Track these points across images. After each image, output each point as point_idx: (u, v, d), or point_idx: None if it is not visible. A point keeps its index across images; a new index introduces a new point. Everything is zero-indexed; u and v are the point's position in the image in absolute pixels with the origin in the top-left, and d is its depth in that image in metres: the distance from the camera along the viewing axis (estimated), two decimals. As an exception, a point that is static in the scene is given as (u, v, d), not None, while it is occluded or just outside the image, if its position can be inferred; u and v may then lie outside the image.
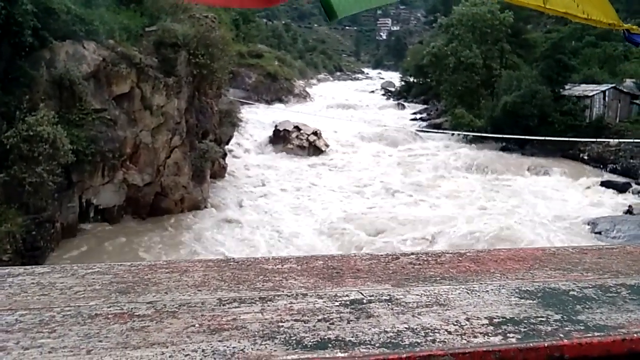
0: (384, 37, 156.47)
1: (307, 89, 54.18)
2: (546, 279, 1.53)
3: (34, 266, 1.59)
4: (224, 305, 1.29)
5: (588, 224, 17.08)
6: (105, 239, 14.76)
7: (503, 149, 28.00)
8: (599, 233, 16.24)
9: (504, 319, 1.24)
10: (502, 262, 1.67)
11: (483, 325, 1.21)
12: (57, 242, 13.66)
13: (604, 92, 29.97)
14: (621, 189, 22.37)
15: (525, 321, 1.24)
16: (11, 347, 1.06)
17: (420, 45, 61.31)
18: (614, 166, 25.39)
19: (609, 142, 25.49)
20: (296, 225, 17.02)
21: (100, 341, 1.10)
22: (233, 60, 24.76)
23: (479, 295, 1.39)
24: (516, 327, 1.20)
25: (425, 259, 1.69)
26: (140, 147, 16.20)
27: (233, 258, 1.67)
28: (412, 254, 1.73)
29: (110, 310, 1.24)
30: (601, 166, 25.81)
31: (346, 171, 24.45)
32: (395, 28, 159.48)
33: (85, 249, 14.02)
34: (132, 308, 1.26)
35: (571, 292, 1.43)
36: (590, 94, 29.54)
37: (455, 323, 1.21)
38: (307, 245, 15.41)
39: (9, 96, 13.02)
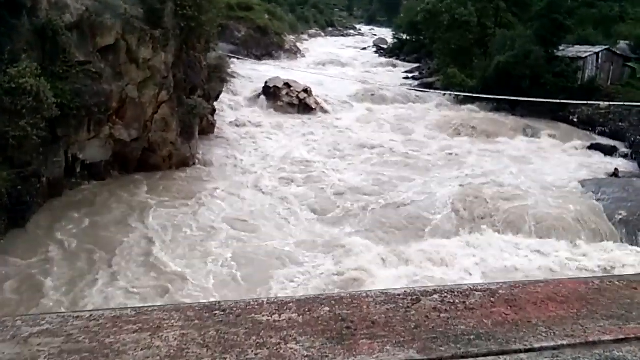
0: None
1: (298, 44, 53.07)
2: (602, 335, 1.29)
3: None
4: None
5: (576, 187, 17.25)
6: (93, 195, 14.65)
7: (494, 110, 27.90)
8: (587, 194, 16.43)
9: None
10: (543, 306, 1.44)
11: None
12: (44, 197, 13.52)
13: (597, 53, 29.73)
14: (608, 152, 22.60)
15: None
16: None
17: (414, 1, 59.80)
18: (603, 129, 25.50)
19: (599, 104, 25.45)
20: (285, 181, 16.99)
21: None
22: (222, 13, 24.06)
23: None
24: None
25: (451, 300, 1.45)
26: (126, 102, 15.86)
27: (219, 304, 1.37)
28: (435, 292, 1.49)
29: None
30: (590, 129, 25.91)
31: (335, 129, 24.25)
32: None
33: (71, 206, 13.90)
34: None
35: None
36: (584, 55, 29.30)
37: None
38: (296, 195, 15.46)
39: (-11, 46, 12.56)
